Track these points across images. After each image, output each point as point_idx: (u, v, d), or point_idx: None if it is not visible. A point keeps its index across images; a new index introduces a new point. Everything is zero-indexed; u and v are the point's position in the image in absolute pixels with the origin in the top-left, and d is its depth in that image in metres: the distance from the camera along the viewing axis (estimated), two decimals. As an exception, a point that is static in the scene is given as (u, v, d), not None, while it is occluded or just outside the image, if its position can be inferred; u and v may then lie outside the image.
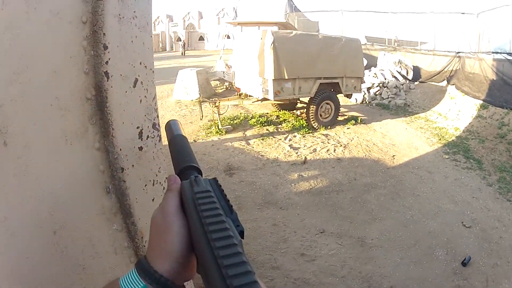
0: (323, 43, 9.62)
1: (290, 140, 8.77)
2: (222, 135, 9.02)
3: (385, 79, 14.32)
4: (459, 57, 14.31)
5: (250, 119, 10.12)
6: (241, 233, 0.54)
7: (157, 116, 1.42)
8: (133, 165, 1.29)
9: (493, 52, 12.73)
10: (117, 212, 1.26)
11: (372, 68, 15.39)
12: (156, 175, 1.43)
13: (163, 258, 0.54)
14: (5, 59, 0.88)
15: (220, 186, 0.64)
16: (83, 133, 1.15)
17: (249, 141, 8.61)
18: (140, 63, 1.28)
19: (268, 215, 5.42)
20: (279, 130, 9.53)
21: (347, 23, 20.15)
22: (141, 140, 1.34)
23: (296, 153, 7.91)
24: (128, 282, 0.54)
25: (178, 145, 0.83)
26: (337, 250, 4.64)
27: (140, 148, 1.34)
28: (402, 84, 14.27)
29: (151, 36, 1.33)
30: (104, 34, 1.13)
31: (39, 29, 1.01)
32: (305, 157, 7.65)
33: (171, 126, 0.95)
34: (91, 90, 1.16)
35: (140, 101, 1.30)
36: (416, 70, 15.69)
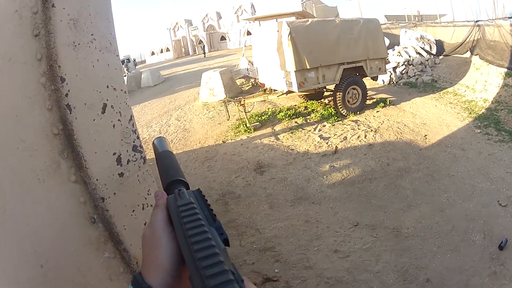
0: (341, 27, 9.31)
1: (319, 130, 8.60)
2: (251, 133, 8.98)
3: (410, 56, 13.76)
4: (478, 26, 13.54)
5: (278, 113, 10.01)
6: (225, 241, 0.55)
7: (138, 138, 1.38)
8: (114, 193, 1.26)
9: (509, 18, 11.97)
10: (107, 240, 1.25)
11: (396, 47, 14.87)
12: (146, 198, 1.39)
13: (155, 272, 0.56)
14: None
15: (204, 196, 0.67)
16: (55, 169, 1.14)
17: (278, 136, 8.53)
18: (108, 86, 1.23)
19: (300, 211, 5.33)
20: (308, 121, 9.36)
21: (365, 5, 19.61)
22: (121, 166, 1.30)
23: (327, 143, 7.74)
24: None
25: (164, 161, 0.86)
26: (372, 244, 4.48)
27: (121, 174, 1.30)
28: (427, 60, 13.68)
29: (117, 55, 1.28)
30: (59, 66, 1.11)
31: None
32: (336, 147, 7.48)
33: (156, 144, 0.97)
34: (57, 125, 1.14)
35: (114, 126, 1.26)
36: (439, 44, 15.01)
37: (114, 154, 1.28)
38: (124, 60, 35.38)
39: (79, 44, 1.15)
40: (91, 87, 1.19)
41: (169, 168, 0.82)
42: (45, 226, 1.10)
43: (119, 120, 1.28)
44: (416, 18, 18.39)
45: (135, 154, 1.36)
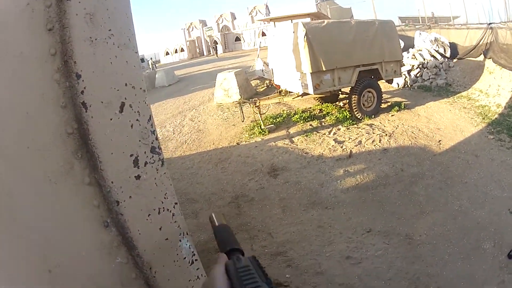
0: (356, 29, 9.18)
1: (334, 133, 8.50)
2: (266, 135, 8.93)
3: (424, 59, 13.59)
4: (491, 28, 13.27)
5: (293, 116, 9.96)
6: None
7: (156, 139, 1.32)
8: (130, 196, 1.22)
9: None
10: (120, 245, 1.22)
11: (410, 50, 14.70)
12: (162, 202, 1.35)
13: None
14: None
15: (258, 260, 0.76)
16: (68, 170, 1.10)
17: (293, 138, 8.46)
18: (126, 85, 1.18)
19: (313, 216, 5.25)
20: (323, 124, 9.27)
21: (379, 6, 19.40)
22: (138, 168, 1.25)
23: (341, 147, 7.65)
24: None
25: (222, 233, 0.99)
26: (384, 250, 4.38)
27: (138, 177, 1.25)
28: (442, 63, 13.49)
29: (136, 52, 1.22)
30: (75, 62, 1.06)
31: (3, 75, 0.96)
32: (351, 151, 7.38)
33: (213, 218, 1.08)
34: (72, 124, 1.10)
35: (132, 125, 1.21)
36: (453, 47, 14.73)
37: (131, 155, 1.23)
38: (140, 59, 35.68)
39: (96, 39, 1.10)
40: (109, 85, 1.14)
41: (227, 238, 0.95)
42: (55, 230, 1.07)
43: (137, 120, 1.23)
44: (431, 19, 18.12)
45: (153, 156, 1.31)
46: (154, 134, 1.30)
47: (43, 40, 1.03)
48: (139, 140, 1.24)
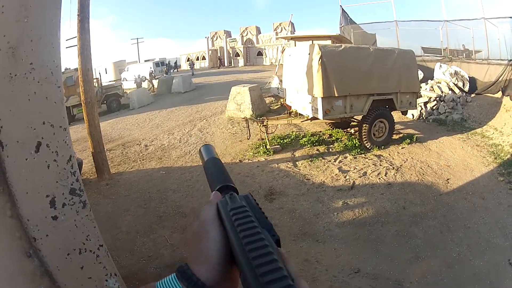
0: (375, 56, 9.01)
1: (340, 162, 8.31)
2: (270, 155, 8.81)
3: (442, 92, 13.43)
4: (511, 65, 13.06)
5: (301, 138, 9.81)
6: (277, 242, 0.56)
7: (77, 180, 1.23)
8: (47, 235, 1.17)
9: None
10: (43, 275, 1.19)
11: (429, 81, 14.62)
12: (83, 243, 1.31)
13: (200, 264, 0.56)
14: None
15: (255, 200, 0.66)
16: None
17: (297, 162, 8.30)
18: (44, 123, 1.09)
19: (302, 248, 5.04)
20: (330, 150, 9.09)
21: (403, 35, 19.25)
22: (55, 209, 1.18)
23: (345, 176, 7.45)
24: (165, 284, 0.55)
25: (212, 167, 0.86)
26: (369, 296, 4.13)
27: (55, 217, 1.19)
28: (459, 97, 13.29)
29: (59, 87, 1.12)
30: (-7, 100, 0.97)
31: None
32: (353, 182, 7.16)
33: (202, 151, 0.96)
34: (-5, 160, 1.02)
35: (48, 166, 1.13)
36: (472, 81, 14.62)
37: (47, 196, 1.16)
38: (159, 63, 36.01)
39: (15, 75, 1.01)
40: (25, 124, 1.05)
41: (218, 174, 0.82)
42: None
43: (55, 160, 1.14)
44: (454, 52, 17.99)
45: (72, 198, 1.24)
46: (74, 175, 1.21)
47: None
48: (56, 181, 1.16)
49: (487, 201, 6.40)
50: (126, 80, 31.86)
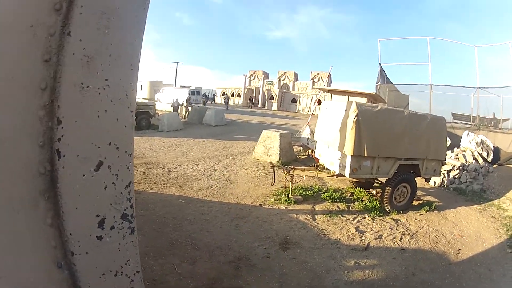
0: (408, 120, 9.00)
1: (358, 221, 8.13)
2: (291, 204, 8.71)
3: (466, 161, 13.28)
4: None
5: (324, 193, 9.68)
6: None
7: (131, 207, 1.24)
8: (87, 252, 1.17)
9: None
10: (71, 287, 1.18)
11: (455, 149, 14.51)
12: (122, 267, 1.29)
13: None
14: None
15: None
16: (33, 206, 1.06)
17: (316, 216, 8.16)
18: (110, 144, 1.11)
19: (308, 303, 4.87)
20: (350, 209, 8.93)
21: (435, 98, 19.28)
22: (102, 229, 1.18)
23: (360, 237, 7.28)
24: None
25: None
26: None
27: (100, 238, 1.19)
28: (482, 167, 13.02)
29: (132, 111, 1.15)
30: (58, 106, 1.00)
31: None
32: (368, 243, 6.99)
33: None
34: (45, 165, 1.05)
35: (105, 187, 1.14)
36: (496, 151, 14.50)
37: (97, 216, 1.17)
38: (194, 91, 36.59)
39: (88, 87, 1.04)
40: (90, 140, 1.07)
41: None
42: (7, 260, 1.04)
43: (113, 183, 1.16)
44: (482, 120, 17.85)
45: (122, 223, 1.23)
46: (129, 202, 1.22)
47: (36, 70, 0.98)
48: (110, 204, 1.17)
49: (493, 273, 6.34)
50: (159, 102, 32.45)
